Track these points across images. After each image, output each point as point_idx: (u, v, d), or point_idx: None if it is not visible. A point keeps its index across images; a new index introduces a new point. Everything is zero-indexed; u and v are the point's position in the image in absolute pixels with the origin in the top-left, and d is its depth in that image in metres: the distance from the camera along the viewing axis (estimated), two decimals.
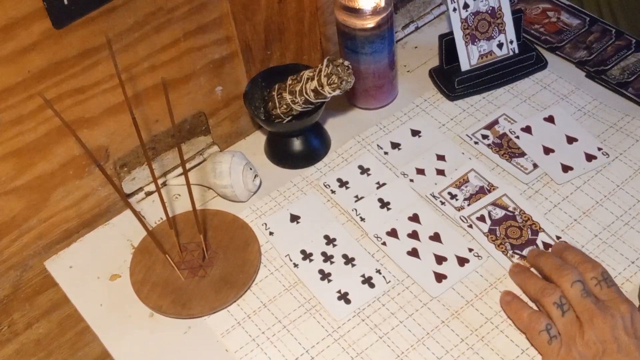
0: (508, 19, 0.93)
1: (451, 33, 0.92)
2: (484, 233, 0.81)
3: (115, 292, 0.81)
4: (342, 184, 0.87)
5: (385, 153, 0.90)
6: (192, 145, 0.90)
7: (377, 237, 0.82)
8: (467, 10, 0.92)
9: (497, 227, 0.81)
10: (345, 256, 0.80)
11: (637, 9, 1.23)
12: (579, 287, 0.70)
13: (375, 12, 0.86)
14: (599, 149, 0.87)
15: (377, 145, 0.91)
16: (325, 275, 0.79)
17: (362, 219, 0.84)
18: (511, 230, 0.81)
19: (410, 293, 0.77)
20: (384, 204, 0.85)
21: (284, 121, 0.86)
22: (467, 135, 0.91)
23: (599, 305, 0.69)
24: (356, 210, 0.84)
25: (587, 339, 0.68)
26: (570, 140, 0.88)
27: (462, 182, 0.86)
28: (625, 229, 0.80)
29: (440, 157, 0.89)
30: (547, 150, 0.88)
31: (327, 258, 0.80)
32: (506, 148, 0.89)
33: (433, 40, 0.97)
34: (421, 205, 0.84)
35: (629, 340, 0.68)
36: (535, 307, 0.74)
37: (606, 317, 0.68)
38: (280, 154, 0.90)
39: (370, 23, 0.86)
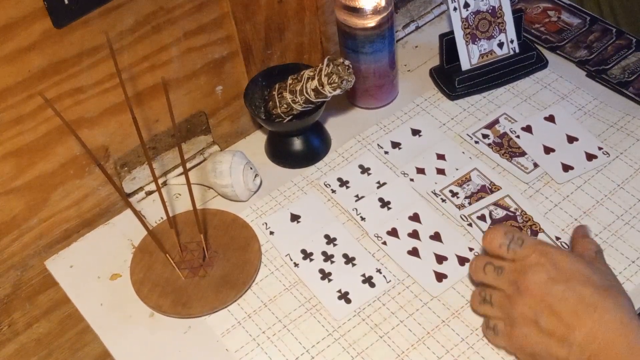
0: (508, 18, 0.93)
1: (452, 32, 0.92)
2: (484, 232, 0.81)
3: (116, 291, 0.81)
4: (343, 183, 0.87)
5: (386, 152, 0.90)
6: (193, 144, 0.90)
7: (378, 237, 0.82)
8: (467, 10, 0.92)
9: None
10: (345, 256, 0.80)
11: (638, 8, 1.23)
12: (490, 268, 0.69)
13: (376, 11, 0.86)
14: (600, 149, 0.87)
15: (378, 144, 0.91)
16: (325, 275, 0.79)
17: (363, 219, 0.83)
18: None
19: (410, 292, 0.77)
20: (385, 204, 0.85)
21: (285, 121, 0.86)
22: (467, 134, 0.91)
23: (515, 274, 0.66)
24: (356, 209, 0.84)
25: (522, 312, 0.65)
26: (571, 139, 0.88)
27: (465, 180, 0.85)
28: (625, 229, 0.80)
29: (441, 157, 0.89)
30: (548, 150, 0.87)
31: (328, 257, 0.80)
32: (506, 147, 0.89)
33: (433, 39, 0.97)
34: (421, 204, 0.84)
35: (560, 288, 0.64)
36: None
37: (528, 282, 0.65)
38: (281, 153, 0.90)
39: (370, 22, 0.86)
